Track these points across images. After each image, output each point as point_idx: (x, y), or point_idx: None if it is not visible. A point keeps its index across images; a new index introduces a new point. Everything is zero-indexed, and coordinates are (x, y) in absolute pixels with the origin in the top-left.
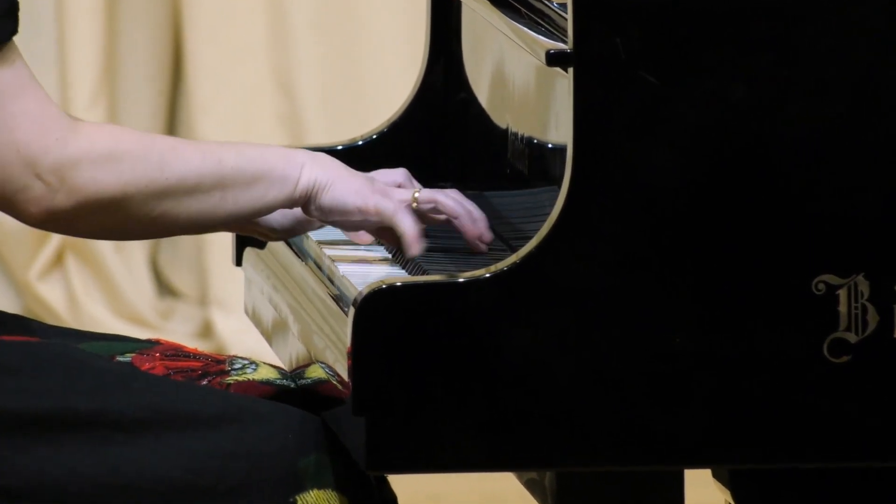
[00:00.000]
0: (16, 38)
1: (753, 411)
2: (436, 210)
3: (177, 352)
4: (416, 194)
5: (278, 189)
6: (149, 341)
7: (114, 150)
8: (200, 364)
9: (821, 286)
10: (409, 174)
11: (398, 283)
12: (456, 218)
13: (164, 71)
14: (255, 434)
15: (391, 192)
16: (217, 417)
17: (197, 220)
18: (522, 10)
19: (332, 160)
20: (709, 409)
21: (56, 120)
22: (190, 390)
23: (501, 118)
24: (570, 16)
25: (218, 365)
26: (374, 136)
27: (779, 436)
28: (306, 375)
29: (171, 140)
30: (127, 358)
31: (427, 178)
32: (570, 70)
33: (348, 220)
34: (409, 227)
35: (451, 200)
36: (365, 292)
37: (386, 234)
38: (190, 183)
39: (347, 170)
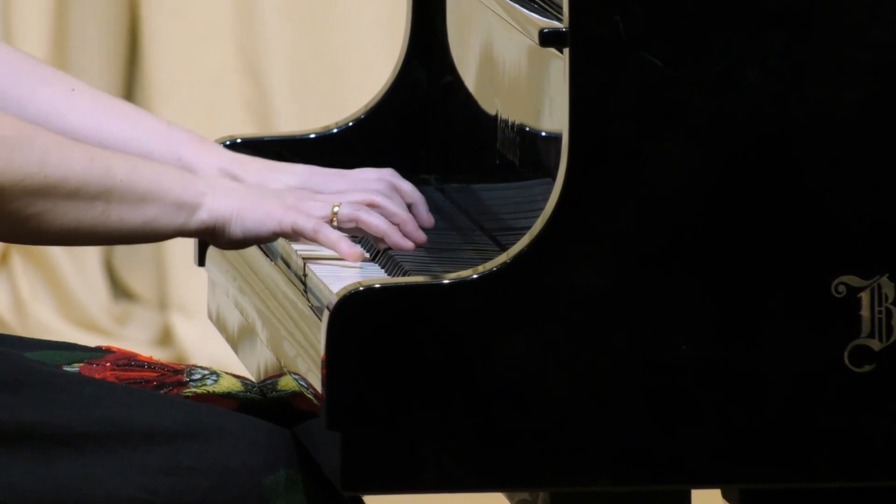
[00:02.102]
0: None
1: (767, 426)
2: (359, 228)
3: (129, 361)
4: (336, 209)
5: (170, 216)
6: (99, 349)
7: None
8: (155, 374)
9: (841, 288)
10: (395, 175)
11: (376, 285)
12: (382, 238)
13: (119, 51)
14: (218, 448)
15: (306, 207)
16: (176, 430)
17: (74, 230)
18: None
19: (234, 185)
20: (718, 423)
21: None
22: (146, 400)
23: (490, 104)
24: None
25: (175, 375)
26: (350, 124)
27: (795, 452)
28: (279, 388)
29: (57, 137)
30: (74, 368)
31: (408, 169)
32: (566, 51)
33: (270, 242)
34: (335, 244)
35: (374, 218)
36: (340, 295)
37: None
38: (71, 186)
39: (252, 191)
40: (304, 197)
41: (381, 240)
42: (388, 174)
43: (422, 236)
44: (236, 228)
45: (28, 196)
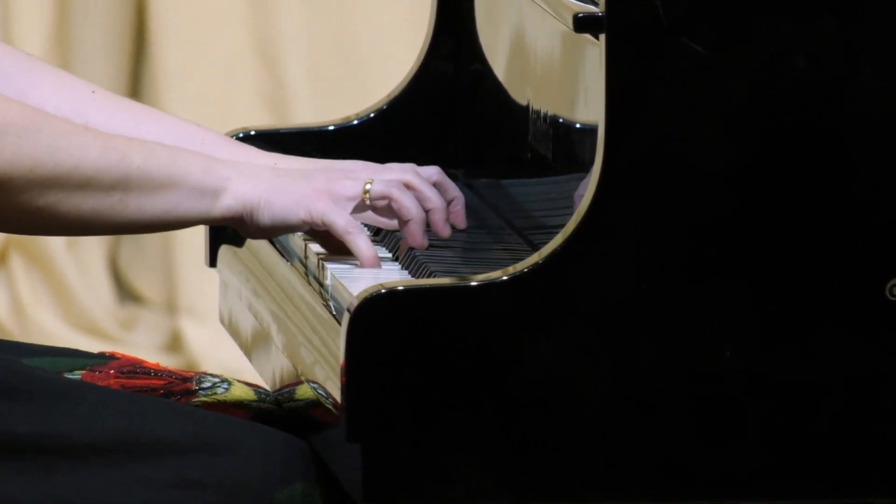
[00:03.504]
0: None
1: (817, 438)
2: (390, 207)
3: (135, 368)
4: (368, 186)
5: (193, 202)
6: (102, 355)
7: None
8: (163, 382)
9: None
10: (440, 172)
11: (399, 287)
12: (407, 221)
13: (124, 37)
14: (228, 461)
15: (338, 191)
16: (184, 441)
17: (91, 221)
18: None
19: (261, 169)
20: (764, 435)
21: None
22: (152, 409)
23: (521, 94)
24: None
25: (184, 383)
26: (372, 115)
27: (847, 467)
28: (295, 397)
29: (68, 123)
30: (76, 375)
31: (434, 164)
32: (602, 37)
33: (296, 231)
34: (361, 249)
35: (407, 199)
36: (360, 298)
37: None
38: (84, 175)
39: (280, 175)
40: (335, 177)
41: (403, 226)
42: (433, 172)
43: (447, 231)
44: (264, 215)
45: (39, 186)
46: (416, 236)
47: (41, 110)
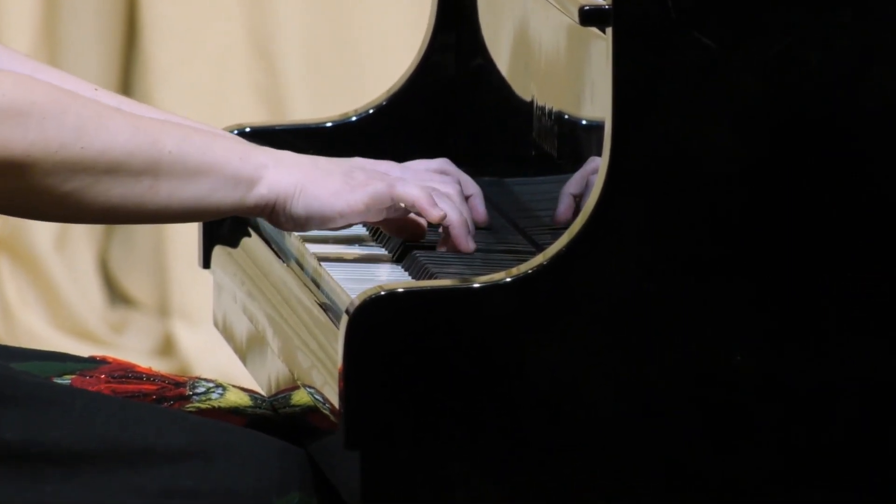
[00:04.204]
0: None
1: (831, 444)
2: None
3: (126, 372)
4: None
5: (227, 191)
6: (93, 360)
7: (19, 102)
8: (155, 387)
9: None
10: (449, 163)
11: (400, 289)
12: (449, 226)
13: (115, 30)
14: (223, 469)
15: (379, 176)
16: (177, 448)
17: (118, 208)
18: None
19: (297, 158)
20: (776, 440)
21: None
22: (144, 415)
23: (525, 89)
24: None
25: (177, 389)
26: (370, 111)
27: (861, 473)
28: (292, 402)
29: (97, 105)
30: (66, 380)
31: None
32: (609, 30)
33: (330, 227)
34: (417, 196)
35: (447, 203)
36: (359, 300)
37: (388, 224)
38: (113, 159)
39: (317, 165)
40: (374, 176)
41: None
42: (443, 164)
43: (472, 245)
44: (298, 205)
45: (64, 170)
46: (461, 240)
47: (69, 91)
